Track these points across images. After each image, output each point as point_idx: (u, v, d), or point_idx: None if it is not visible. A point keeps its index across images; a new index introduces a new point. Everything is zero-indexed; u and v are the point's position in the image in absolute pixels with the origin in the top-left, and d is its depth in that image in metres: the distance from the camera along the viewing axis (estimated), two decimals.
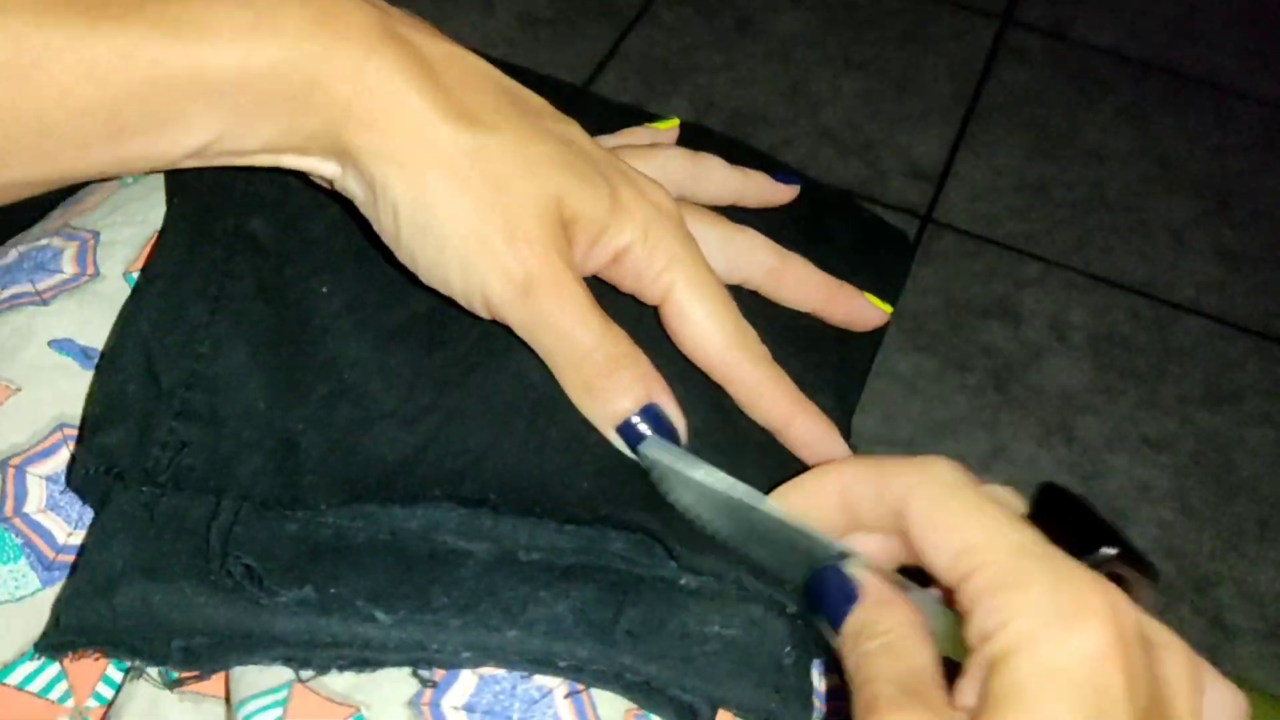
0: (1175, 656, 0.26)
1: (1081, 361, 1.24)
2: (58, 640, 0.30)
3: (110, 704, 0.33)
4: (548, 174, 0.33)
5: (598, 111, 0.42)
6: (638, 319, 0.35)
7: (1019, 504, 0.30)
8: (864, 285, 0.41)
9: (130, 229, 0.39)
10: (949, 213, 1.35)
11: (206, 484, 0.32)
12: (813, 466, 0.36)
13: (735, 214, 0.40)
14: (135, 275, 0.37)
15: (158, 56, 0.29)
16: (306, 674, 0.31)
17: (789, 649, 0.32)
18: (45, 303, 0.37)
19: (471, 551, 0.32)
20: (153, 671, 0.32)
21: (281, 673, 0.31)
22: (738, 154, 0.42)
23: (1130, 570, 0.37)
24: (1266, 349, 1.27)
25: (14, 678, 0.33)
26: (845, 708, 0.28)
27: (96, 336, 0.36)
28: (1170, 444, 1.19)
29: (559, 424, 0.34)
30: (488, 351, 0.35)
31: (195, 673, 0.31)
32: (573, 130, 0.35)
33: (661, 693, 0.31)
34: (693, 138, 0.43)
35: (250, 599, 0.30)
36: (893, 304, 0.41)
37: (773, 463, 0.36)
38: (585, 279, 0.34)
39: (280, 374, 0.34)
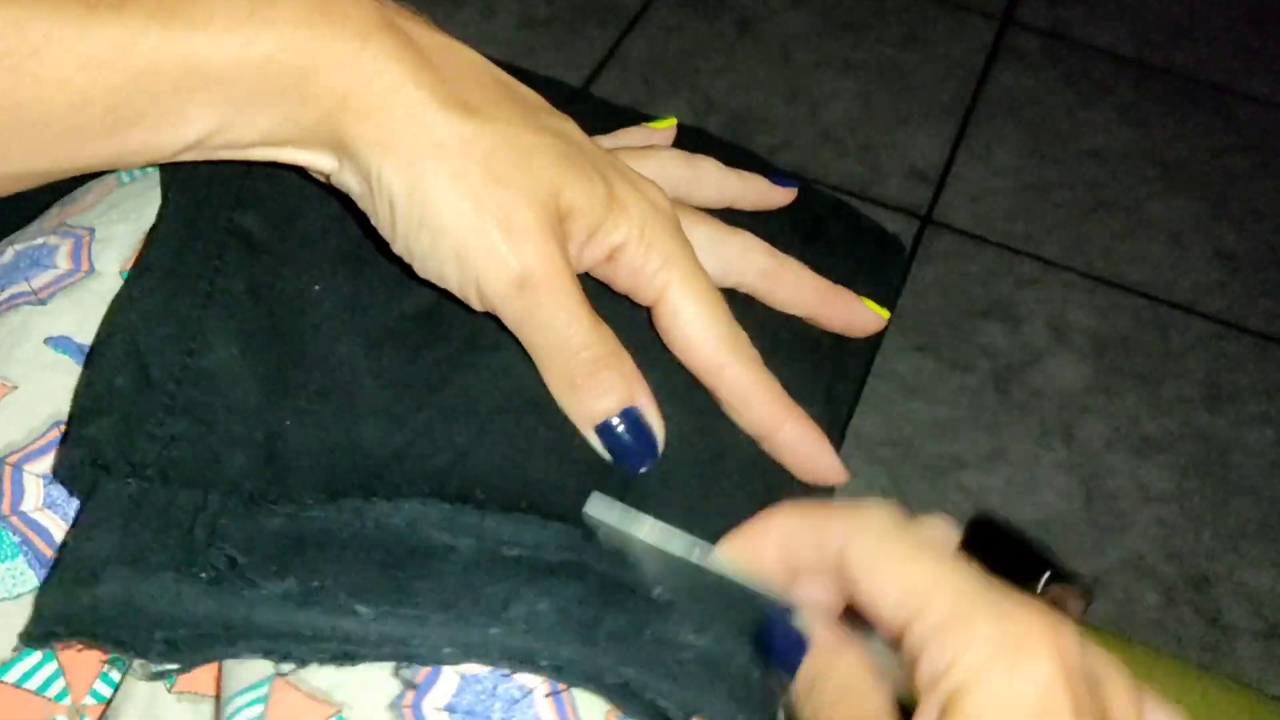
0: (1117, 682, 0.27)
1: (1081, 362, 1.24)
2: (39, 630, 0.30)
3: (108, 702, 0.34)
4: (545, 166, 0.33)
5: (595, 113, 0.42)
6: (628, 322, 0.35)
7: (953, 534, 0.31)
8: (860, 290, 0.40)
9: (126, 226, 0.39)
10: (948, 213, 1.35)
11: (194, 477, 0.32)
12: (799, 474, 0.36)
13: (731, 217, 0.40)
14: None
15: (154, 46, 0.30)
16: (287, 667, 0.31)
17: (756, 671, 0.32)
18: (42, 302, 0.37)
19: (455, 547, 0.31)
20: (139, 667, 0.32)
21: (264, 668, 0.31)
22: (734, 157, 0.42)
23: (1065, 590, 0.39)
24: (1266, 349, 1.27)
25: (11, 675, 0.33)
26: None
27: (93, 334, 0.36)
28: (1170, 444, 1.18)
29: (547, 424, 0.34)
30: (477, 351, 0.35)
31: (176, 665, 0.31)
32: (569, 126, 0.35)
33: (638, 696, 0.31)
34: (689, 141, 0.42)
35: (232, 591, 0.30)
36: (889, 310, 0.41)
37: (753, 475, 0.35)
38: (580, 280, 0.34)
39: (270, 370, 0.34)
